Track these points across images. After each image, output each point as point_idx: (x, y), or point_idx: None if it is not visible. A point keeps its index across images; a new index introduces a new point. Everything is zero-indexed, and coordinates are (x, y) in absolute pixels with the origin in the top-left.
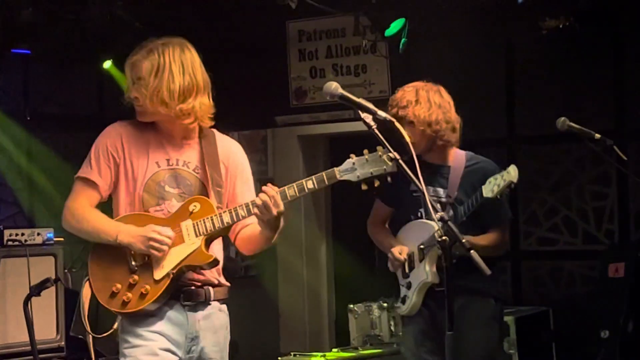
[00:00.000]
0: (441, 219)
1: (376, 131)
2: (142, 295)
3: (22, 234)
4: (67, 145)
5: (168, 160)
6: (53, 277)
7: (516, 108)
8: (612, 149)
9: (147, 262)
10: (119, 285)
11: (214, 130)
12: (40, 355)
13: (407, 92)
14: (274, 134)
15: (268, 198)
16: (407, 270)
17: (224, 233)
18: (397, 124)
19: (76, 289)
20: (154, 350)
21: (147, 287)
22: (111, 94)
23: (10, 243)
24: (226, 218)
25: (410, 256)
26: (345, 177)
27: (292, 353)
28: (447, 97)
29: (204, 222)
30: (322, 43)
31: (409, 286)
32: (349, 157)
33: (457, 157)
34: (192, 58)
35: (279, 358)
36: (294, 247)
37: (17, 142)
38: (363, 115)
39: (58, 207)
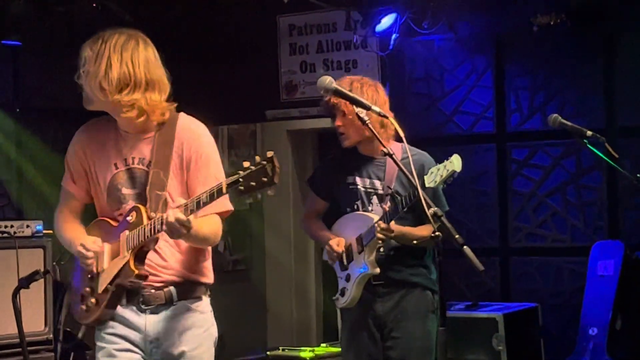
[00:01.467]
0: (434, 215)
1: (370, 126)
2: (90, 310)
3: (11, 226)
4: (57, 137)
5: (125, 160)
6: (42, 269)
7: (506, 103)
8: (604, 146)
9: (94, 275)
10: (83, 292)
11: (181, 117)
12: (29, 348)
13: (343, 83)
14: (263, 128)
15: (173, 221)
16: (345, 263)
17: (154, 245)
18: (391, 118)
19: (64, 282)
20: (111, 352)
21: (93, 301)
22: None
23: None
24: (147, 231)
25: (347, 248)
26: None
27: (280, 348)
28: (382, 94)
29: (136, 234)
30: (313, 38)
31: (347, 278)
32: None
33: (393, 150)
34: (140, 52)
35: (267, 353)
36: (283, 241)
37: (6, 134)
38: (357, 110)
39: (47, 199)
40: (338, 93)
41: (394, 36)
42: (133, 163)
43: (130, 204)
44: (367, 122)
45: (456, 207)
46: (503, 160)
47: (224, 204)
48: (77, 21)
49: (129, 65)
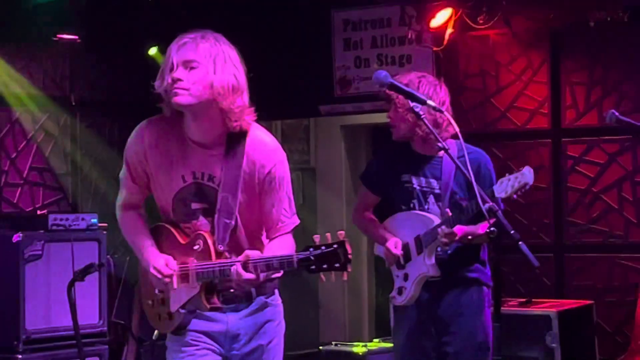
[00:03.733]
0: (490, 211)
1: (425, 120)
2: (166, 324)
3: (67, 219)
4: (112, 131)
5: (194, 173)
6: (97, 262)
7: (562, 99)
8: None
9: (166, 289)
10: (150, 302)
11: (252, 131)
12: (83, 340)
13: (401, 77)
14: (316, 123)
15: (235, 276)
16: (402, 262)
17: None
18: (446, 113)
19: (119, 275)
20: (189, 343)
21: (166, 315)
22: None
23: (54, 228)
24: (217, 271)
25: (405, 248)
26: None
27: (333, 343)
28: (443, 93)
29: (205, 270)
30: (367, 33)
31: (405, 278)
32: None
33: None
34: (238, 55)
35: (320, 347)
36: (335, 236)
37: (63, 128)
38: (412, 104)
39: (102, 192)
40: (393, 87)
41: (448, 31)
42: (202, 179)
43: (201, 220)
44: (422, 116)
45: (510, 203)
46: (558, 157)
47: (294, 220)
48: (132, 16)
49: (239, 70)
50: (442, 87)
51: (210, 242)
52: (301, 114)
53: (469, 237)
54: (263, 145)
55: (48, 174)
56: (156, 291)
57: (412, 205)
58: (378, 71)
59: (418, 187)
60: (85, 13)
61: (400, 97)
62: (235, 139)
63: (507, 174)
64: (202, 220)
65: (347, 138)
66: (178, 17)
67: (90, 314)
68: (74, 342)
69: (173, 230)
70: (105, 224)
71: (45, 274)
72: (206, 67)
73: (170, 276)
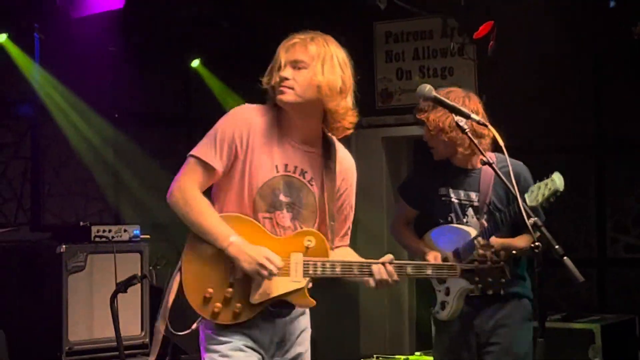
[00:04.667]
0: (534, 225)
1: (469, 134)
2: (235, 315)
3: (109, 231)
4: (154, 143)
5: (286, 165)
6: (139, 273)
7: (604, 114)
8: None
9: (246, 280)
10: (211, 291)
11: (338, 144)
12: (126, 352)
13: (441, 92)
14: (358, 135)
15: (387, 275)
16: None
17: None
18: (490, 127)
19: (161, 286)
20: (239, 346)
21: (240, 306)
22: (197, 92)
23: (97, 239)
24: (338, 270)
25: (444, 261)
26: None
27: (375, 355)
28: (474, 105)
29: (315, 265)
30: (409, 45)
31: (447, 292)
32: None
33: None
34: (347, 57)
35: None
36: (376, 247)
37: (104, 139)
38: (457, 118)
39: (144, 203)
40: (437, 101)
41: (491, 43)
42: (294, 172)
43: (285, 212)
44: (466, 130)
45: (553, 217)
46: (601, 171)
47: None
48: (172, 27)
49: (346, 71)
50: (470, 98)
51: (325, 242)
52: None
53: (514, 251)
54: (350, 158)
55: (91, 185)
56: (230, 279)
57: (450, 218)
58: (421, 85)
59: (456, 201)
60: (127, 26)
61: (431, 119)
62: (328, 143)
63: (537, 181)
64: (285, 213)
65: (389, 150)
66: (219, 30)
67: (133, 326)
68: (116, 353)
69: (253, 221)
70: (148, 236)
71: (88, 285)
72: (314, 68)
73: (280, 268)
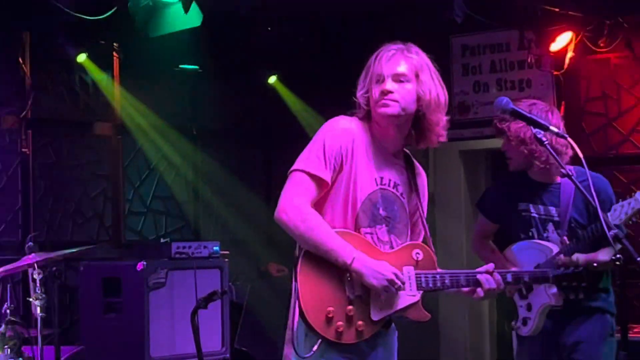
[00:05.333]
0: (616, 237)
1: (549, 147)
2: (359, 333)
3: (189, 247)
4: (233, 159)
5: (382, 178)
6: (219, 289)
7: None
8: None
9: (365, 296)
10: (332, 310)
11: (412, 159)
12: None
13: (521, 105)
14: (436, 149)
15: (495, 284)
16: (524, 292)
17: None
18: (569, 139)
19: (241, 302)
20: None
21: (363, 324)
22: (275, 109)
23: (177, 256)
24: (447, 282)
25: None
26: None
27: None
28: (556, 119)
29: (427, 277)
30: (485, 57)
31: (528, 308)
32: None
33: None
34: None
35: None
36: (455, 259)
37: (184, 156)
38: (535, 130)
39: (223, 220)
40: (515, 113)
41: (569, 55)
42: (388, 185)
43: (383, 227)
44: (545, 143)
45: (632, 229)
46: None
47: None
48: (252, 45)
49: (441, 83)
50: (554, 113)
51: (433, 256)
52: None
53: (594, 264)
54: (422, 170)
55: (171, 202)
56: (350, 296)
57: (530, 233)
58: (499, 97)
59: (537, 216)
60: (206, 43)
61: (512, 129)
62: (407, 155)
63: (620, 200)
64: (383, 227)
65: (466, 163)
66: (296, 46)
67: (213, 341)
68: None
69: (370, 244)
70: (227, 252)
71: (169, 301)
72: (415, 81)
73: (404, 283)
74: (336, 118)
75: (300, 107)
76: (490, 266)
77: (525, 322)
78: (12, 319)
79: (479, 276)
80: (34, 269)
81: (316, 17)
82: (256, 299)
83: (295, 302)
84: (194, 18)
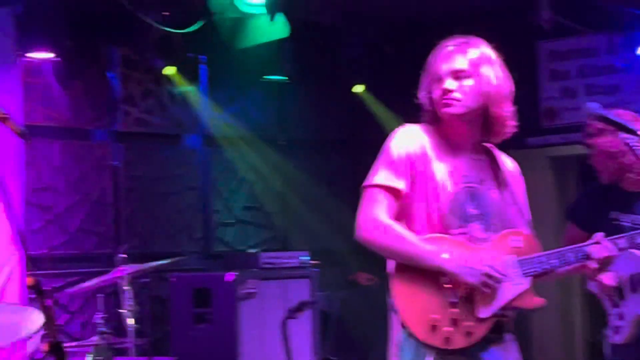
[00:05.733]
0: None
1: (638, 153)
2: (468, 334)
3: (279, 257)
4: (321, 169)
5: (465, 176)
6: (309, 299)
7: None
8: None
9: (469, 295)
10: (436, 317)
11: (495, 149)
12: None
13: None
14: (524, 155)
15: (607, 251)
16: (616, 300)
17: (546, 276)
18: None
19: (331, 312)
20: None
21: (471, 324)
22: (362, 118)
23: (267, 266)
24: (554, 261)
25: (619, 285)
26: None
27: None
28: None
29: (531, 261)
30: (574, 63)
31: (620, 317)
32: None
33: None
34: (500, 57)
35: None
36: None
37: (273, 167)
38: (624, 136)
39: (312, 229)
40: (604, 119)
41: None
42: (474, 182)
43: (477, 225)
44: (634, 149)
45: None
46: None
47: None
48: (338, 55)
49: (504, 73)
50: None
51: (531, 235)
52: (507, 145)
53: None
54: (511, 159)
55: (259, 212)
56: (451, 299)
57: None
58: (590, 102)
59: (628, 224)
60: (292, 54)
61: (600, 144)
62: (487, 148)
63: None
64: (478, 226)
65: (555, 169)
66: (382, 55)
67: (304, 351)
68: None
69: (452, 238)
70: (317, 261)
71: (259, 311)
72: (476, 76)
73: (505, 274)
74: (401, 128)
75: (387, 115)
76: (598, 235)
77: (616, 330)
78: (105, 330)
79: (587, 248)
80: (126, 280)
81: (401, 24)
82: (346, 309)
83: (395, 317)
84: (280, 29)
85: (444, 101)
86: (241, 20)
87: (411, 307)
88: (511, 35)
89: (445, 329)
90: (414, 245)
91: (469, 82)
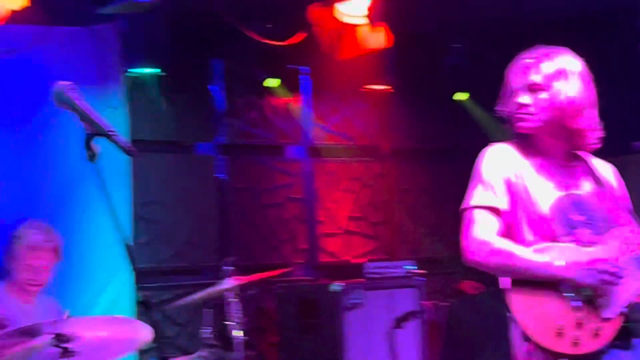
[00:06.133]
0: None
1: None
2: (596, 336)
3: (384, 267)
4: (424, 178)
5: (566, 184)
6: (415, 309)
7: None
8: None
9: (590, 298)
10: (560, 324)
11: (587, 155)
12: None
13: None
14: (631, 160)
15: None
16: None
17: None
18: None
19: (439, 321)
20: None
21: (598, 325)
22: (466, 126)
23: (372, 276)
24: None
25: None
26: None
27: None
28: None
29: None
30: None
31: None
32: None
33: None
34: (584, 67)
35: None
36: None
37: (376, 177)
38: None
39: (418, 239)
40: None
41: None
42: (574, 189)
43: (585, 230)
44: None
45: None
46: None
47: None
48: (442, 62)
49: (583, 84)
50: None
51: (636, 229)
52: (612, 151)
53: None
54: (603, 161)
55: (363, 222)
56: (572, 304)
57: None
58: None
59: None
60: (394, 63)
61: None
62: (578, 156)
63: None
64: (585, 231)
65: None
66: (485, 61)
67: None
68: None
69: (562, 245)
70: (423, 271)
71: (365, 321)
72: (550, 89)
73: (622, 269)
74: (490, 148)
75: (490, 123)
76: None
77: None
78: (212, 342)
79: None
80: (232, 292)
81: (502, 30)
82: (453, 318)
83: (516, 330)
84: (382, 39)
85: (518, 116)
86: (342, 31)
87: (534, 319)
88: (616, 39)
89: (572, 333)
90: (524, 259)
91: (543, 96)
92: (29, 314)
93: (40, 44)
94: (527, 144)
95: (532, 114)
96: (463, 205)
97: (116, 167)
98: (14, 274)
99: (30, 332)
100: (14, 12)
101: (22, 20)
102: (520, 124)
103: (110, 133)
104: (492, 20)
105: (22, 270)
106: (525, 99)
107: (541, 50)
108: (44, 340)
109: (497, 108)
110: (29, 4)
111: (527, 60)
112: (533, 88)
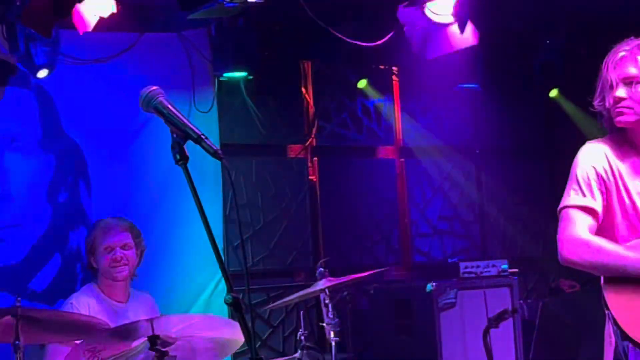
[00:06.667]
0: None
1: None
2: None
3: (477, 267)
4: (517, 177)
5: None
6: (510, 308)
7: None
8: None
9: None
10: None
11: None
12: None
13: None
14: None
15: None
16: None
17: None
18: None
19: (533, 320)
20: None
21: None
22: (558, 123)
23: (466, 275)
24: None
25: None
26: None
27: None
28: None
29: None
30: None
31: None
32: None
33: None
34: None
35: None
36: None
37: (468, 175)
38: None
39: (511, 237)
40: None
41: None
42: None
43: None
44: None
45: None
46: None
47: None
48: (533, 59)
49: None
50: None
51: None
52: None
53: None
54: None
55: (456, 222)
56: None
57: None
58: None
59: None
60: (484, 61)
61: None
62: None
63: None
64: None
65: None
66: (576, 57)
67: None
68: None
69: None
70: (516, 269)
71: (460, 321)
72: None
73: None
74: (583, 148)
75: (583, 119)
76: None
77: None
78: (307, 344)
79: None
80: (326, 294)
81: (593, 24)
82: (548, 317)
83: (612, 328)
84: (470, 37)
85: (616, 110)
86: (431, 30)
87: (632, 317)
88: None
89: None
90: (620, 256)
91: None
92: (123, 313)
93: (131, 51)
94: (622, 139)
95: (630, 107)
96: (560, 206)
97: (207, 171)
98: (99, 266)
99: (126, 332)
100: (103, 20)
101: (112, 27)
102: (619, 118)
103: (200, 137)
104: (581, 14)
105: (101, 257)
106: (621, 92)
107: (635, 42)
108: (141, 342)
109: (594, 103)
110: (118, 12)
111: (621, 53)
112: (630, 81)
